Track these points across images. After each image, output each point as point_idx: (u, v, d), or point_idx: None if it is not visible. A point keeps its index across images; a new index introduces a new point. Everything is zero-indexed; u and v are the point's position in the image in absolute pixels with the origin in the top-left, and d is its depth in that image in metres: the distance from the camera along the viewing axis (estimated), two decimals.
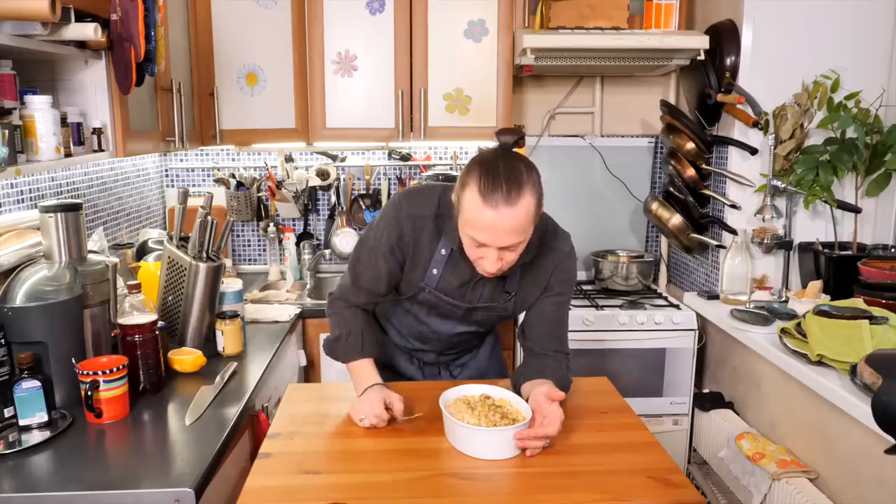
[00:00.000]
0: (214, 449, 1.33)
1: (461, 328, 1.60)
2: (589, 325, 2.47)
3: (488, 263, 1.31)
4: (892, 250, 2.24)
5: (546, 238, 1.50)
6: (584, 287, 2.90)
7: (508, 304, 1.53)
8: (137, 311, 1.59)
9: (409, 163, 2.95)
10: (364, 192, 2.98)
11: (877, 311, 1.86)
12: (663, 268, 3.02)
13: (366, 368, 1.49)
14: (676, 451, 2.56)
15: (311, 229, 3.02)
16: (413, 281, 1.51)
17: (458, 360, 1.74)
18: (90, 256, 1.61)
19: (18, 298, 1.45)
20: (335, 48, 2.57)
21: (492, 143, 1.36)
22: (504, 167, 1.26)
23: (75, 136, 1.72)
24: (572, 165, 2.95)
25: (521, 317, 1.57)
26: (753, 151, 2.37)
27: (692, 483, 1.36)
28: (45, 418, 1.39)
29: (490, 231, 1.26)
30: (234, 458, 1.49)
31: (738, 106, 2.36)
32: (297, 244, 2.92)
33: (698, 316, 2.50)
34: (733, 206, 2.42)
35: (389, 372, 1.65)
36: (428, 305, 1.56)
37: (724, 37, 2.39)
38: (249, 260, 3.06)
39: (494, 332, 1.81)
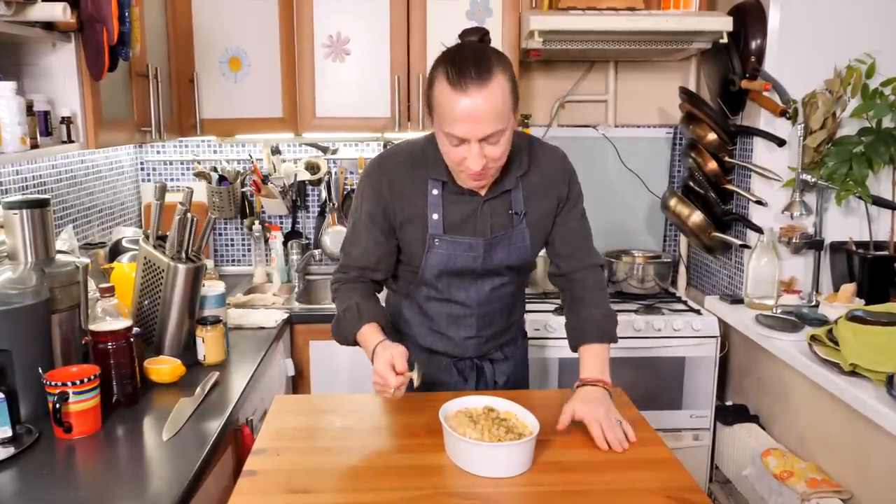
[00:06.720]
0: (194, 466, 1.33)
1: (488, 284, 1.59)
2: None
3: (472, 161, 1.33)
4: None
5: (534, 148, 1.57)
6: None
7: (522, 228, 1.54)
8: (110, 317, 1.58)
9: None
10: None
11: None
12: (682, 269, 3.02)
13: (369, 334, 1.50)
14: (697, 468, 2.56)
15: (300, 227, 3.02)
16: (415, 241, 1.53)
17: (499, 349, 1.71)
18: (59, 257, 1.61)
19: None
20: (326, 30, 2.57)
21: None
22: (469, 53, 1.32)
23: (42, 125, 1.71)
24: (583, 158, 2.94)
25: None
26: (781, 143, 2.37)
27: None
28: (9, 433, 1.39)
29: (467, 120, 1.29)
30: (216, 476, 1.49)
31: (765, 93, 2.36)
32: (285, 244, 2.93)
33: (720, 322, 2.50)
34: (759, 203, 2.42)
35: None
36: (446, 273, 1.55)
37: (750, 17, 2.39)
38: (233, 261, 3.06)
39: (520, 326, 1.79)
